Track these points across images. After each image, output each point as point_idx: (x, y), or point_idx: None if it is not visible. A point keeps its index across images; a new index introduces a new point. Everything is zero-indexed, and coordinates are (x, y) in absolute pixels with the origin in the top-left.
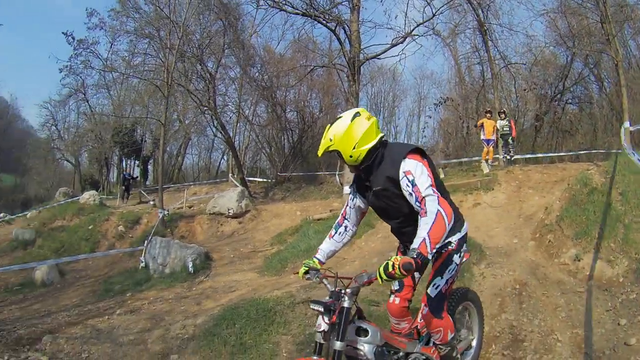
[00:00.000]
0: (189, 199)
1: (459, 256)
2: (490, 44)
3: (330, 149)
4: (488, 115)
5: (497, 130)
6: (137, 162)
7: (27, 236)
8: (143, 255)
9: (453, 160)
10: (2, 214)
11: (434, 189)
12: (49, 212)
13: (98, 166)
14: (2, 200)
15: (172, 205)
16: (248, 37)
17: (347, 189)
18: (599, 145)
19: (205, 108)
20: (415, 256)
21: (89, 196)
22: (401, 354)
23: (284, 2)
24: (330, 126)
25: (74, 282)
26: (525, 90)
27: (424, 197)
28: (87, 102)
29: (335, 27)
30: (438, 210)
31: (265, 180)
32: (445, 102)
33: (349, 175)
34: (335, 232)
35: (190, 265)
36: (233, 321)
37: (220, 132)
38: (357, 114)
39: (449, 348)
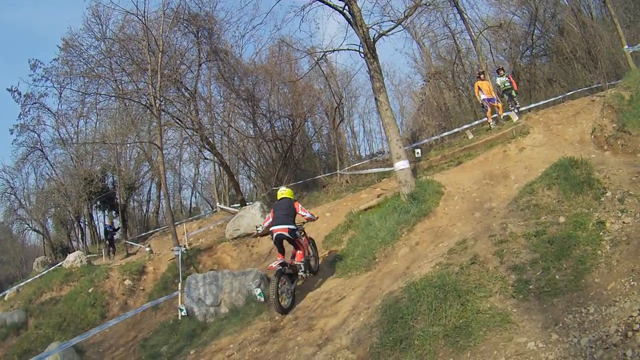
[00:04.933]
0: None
1: None
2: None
3: (285, 194)
4: (482, 76)
5: (499, 86)
6: (114, 212)
7: (16, 318)
8: (180, 301)
9: (455, 130)
10: None
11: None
12: (31, 286)
13: (66, 230)
14: None
15: (169, 248)
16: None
17: (402, 163)
18: (584, 85)
19: (190, 130)
20: None
21: (74, 258)
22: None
23: None
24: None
25: (102, 359)
26: (505, 49)
27: None
28: (47, 158)
29: (344, 6)
30: None
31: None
32: (433, 77)
33: (397, 151)
34: None
35: (258, 292)
36: (414, 306)
37: (210, 152)
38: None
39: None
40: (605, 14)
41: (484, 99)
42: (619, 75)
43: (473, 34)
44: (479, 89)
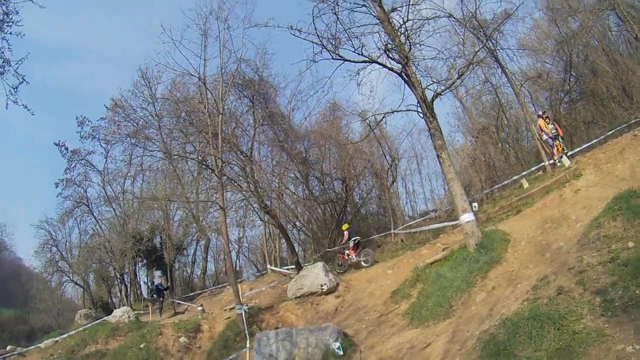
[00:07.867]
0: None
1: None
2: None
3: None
4: (545, 116)
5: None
6: (160, 271)
7: None
8: (249, 359)
9: (504, 182)
10: (9, 347)
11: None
12: (73, 338)
13: (106, 286)
14: (5, 334)
15: (220, 308)
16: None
17: (468, 216)
18: (622, 122)
19: (248, 193)
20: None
21: (121, 313)
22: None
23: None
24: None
25: None
26: (546, 98)
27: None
28: (92, 214)
29: (402, 69)
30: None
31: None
32: (481, 133)
33: (463, 204)
34: None
35: (337, 346)
36: (514, 338)
37: (267, 214)
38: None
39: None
40: (630, 49)
41: (547, 139)
42: None
43: (515, 86)
44: (541, 128)
